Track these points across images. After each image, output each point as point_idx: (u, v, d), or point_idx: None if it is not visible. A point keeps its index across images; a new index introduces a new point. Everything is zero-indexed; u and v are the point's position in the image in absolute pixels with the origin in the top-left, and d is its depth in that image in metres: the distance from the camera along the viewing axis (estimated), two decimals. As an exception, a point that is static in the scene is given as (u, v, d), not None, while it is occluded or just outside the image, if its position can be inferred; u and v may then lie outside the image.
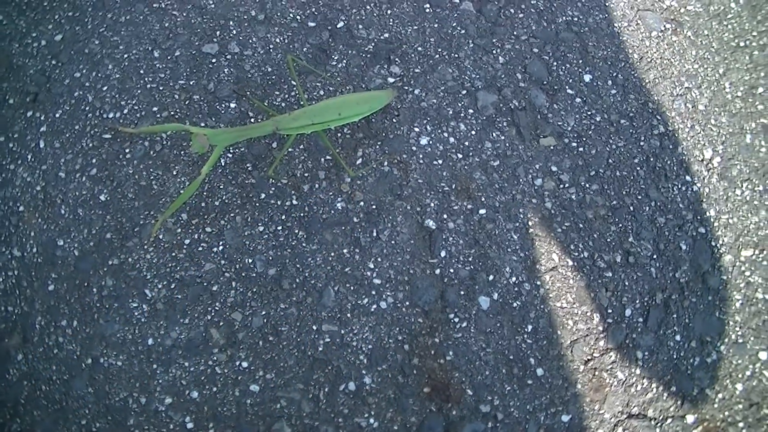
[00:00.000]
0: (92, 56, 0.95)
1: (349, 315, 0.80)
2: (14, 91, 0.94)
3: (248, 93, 0.91)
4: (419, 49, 0.94)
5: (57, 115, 0.92)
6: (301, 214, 0.84)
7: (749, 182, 0.88)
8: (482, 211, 0.85)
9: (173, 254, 0.83)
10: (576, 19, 0.97)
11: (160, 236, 0.84)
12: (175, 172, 0.87)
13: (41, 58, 0.95)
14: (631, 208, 0.86)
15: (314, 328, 0.80)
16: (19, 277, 0.83)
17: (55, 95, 0.93)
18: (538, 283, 0.82)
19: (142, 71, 0.93)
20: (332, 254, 0.83)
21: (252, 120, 0.90)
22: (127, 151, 0.88)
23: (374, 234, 0.83)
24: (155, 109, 0.91)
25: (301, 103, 0.82)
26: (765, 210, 0.86)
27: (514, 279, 0.82)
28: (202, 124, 0.89)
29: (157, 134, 0.89)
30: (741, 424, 0.78)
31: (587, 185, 0.87)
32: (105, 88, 0.93)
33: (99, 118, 0.91)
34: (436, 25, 0.96)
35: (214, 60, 0.94)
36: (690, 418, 0.78)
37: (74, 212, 0.85)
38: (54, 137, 0.90)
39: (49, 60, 0.95)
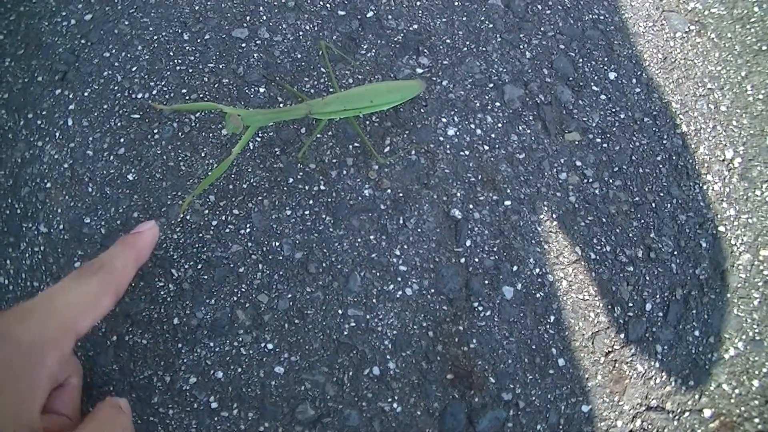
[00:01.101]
0: (122, 37, 0.94)
1: (374, 300, 0.80)
2: (43, 69, 0.94)
3: (277, 78, 0.90)
4: (448, 41, 0.94)
5: (85, 94, 0.91)
6: (329, 200, 0.84)
7: (769, 183, 0.88)
8: (507, 203, 0.85)
9: (200, 235, 0.83)
10: (602, 17, 0.97)
11: (188, 217, 0.83)
12: (203, 154, 0.87)
13: (70, 37, 0.95)
14: (653, 204, 0.86)
15: (340, 312, 0.80)
16: (45, 253, 0.83)
17: (84, 74, 0.93)
18: (561, 275, 0.83)
19: (171, 53, 0.93)
20: (359, 240, 0.83)
21: (281, 105, 0.89)
22: (155, 131, 0.88)
23: (401, 221, 0.83)
24: (184, 91, 0.90)
25: (332, 89, 0.82)
26: (784, 211, 0.87)
27: (537, 270, 0.82)
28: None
29: (190, 112, 0.89)
30: (757, 420, 0.79)
31: (611, 181, 0.87)
32: (134, 69, 0.92)
33: (128, 98, 0.90)
34: (464, 19, 0.96)
35: (243, 45, 0.93)
36: (707, 413, 0.79)
37: (101, 190, 0.85)
38: (82, 116, 0.90)
39: (78, 39, 0.95)
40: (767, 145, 0.90)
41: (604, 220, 0.85)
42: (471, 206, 0.85)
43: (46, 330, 0.34)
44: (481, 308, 0.81)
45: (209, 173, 0.85)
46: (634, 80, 0.93)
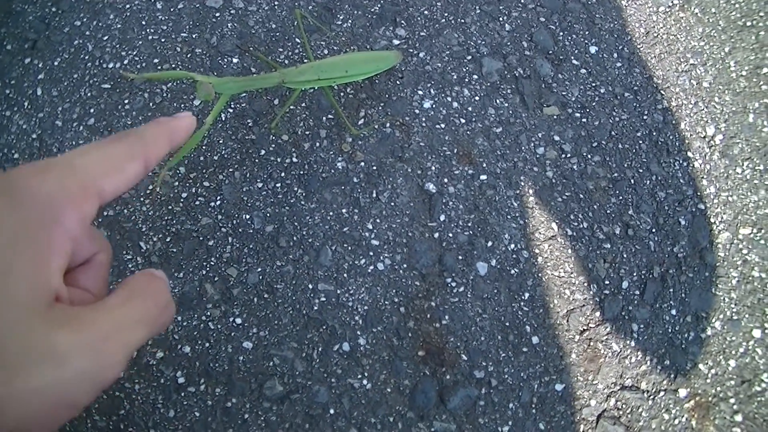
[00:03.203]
0: (93, 5, 0.91)
1: (345, 275, 0.77)
2: (12, 37, 0.90)
3: (251, 48, 0.87)
4: (425, 12, 0.90)
5: (55, 63, 0.88)
6: (301, 172, 0.81)
7: (750, 161, 0.85)
8: (483, 177, 0.82)
9: (170, 207, 0.80)
10: (584, -10, 0.94)
11: (157, 189, 0.80)
12: (174, 125, 0.83)
13: (41, 4, 0.91)
14: (632, 181, 0.83)
15: (310, 286, 0.77)
16: (12, 225, 0.79)
17: (54, 43, 0.89)
18: (537, 251, 0.79)
19: (144, 22, 0.89)
20: (331, 213, 0.79)
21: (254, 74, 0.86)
22: (126, 102, 0.85)
23: (374, 195, 0.80)
24: (156, 60, 0.87)
25: (308, 56, 0.79)
26: (765, 189, 0.84)
27: (512, 246, 0.79)
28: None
29: (161, 81, 0.85)
30: (732, 400, 0.76)
31: (589, 156, 0.84)
32: (105, 38, 0.89)
33: (98, 67, 0.87)
34: (443, -10, 0.92)
35: (217, 14, 0.90)
36: (682, 392, 0.76)
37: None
38: (52, 85, 0.86)
39: (49, 7, 0.91)
40: (749, 122, 0.87)
41: (581, 196, 0.82)
42: (446, 180, 0.81)
43: (65, 185, 0.32)
44: (454, 284, 0.78)
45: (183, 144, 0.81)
46: (615, 54, 0.90)
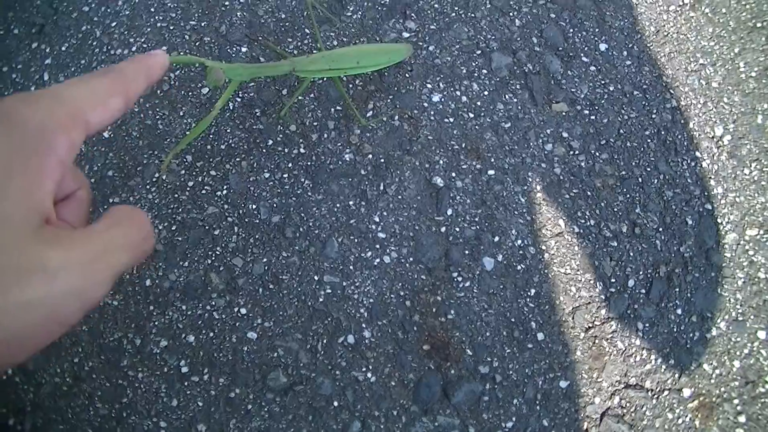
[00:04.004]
0: (102, -9, 0.89)
1: (351, 267, 0.76)
2: (20, 21, 0.89)
3: (260, 38, 0.86)
4: (435, 5, 0.89)
5: (63, 49, 0.87)
6: (308, 163, 0.80)
7: (758, 162, 0.84)
8: (491, 172, 0.81)
9: (176, 196, 0.79)
10: (595, -13, 0.93)
11: (163, 177, 0.79)
12: (181, 113, 0.82)
13: (50, -11, 0.90)
14: (640, 179, 0.82)
15: (315, 278, 0.76)
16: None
17: (62, 28, 0.88)
18: (543, 247, 0.79)
19: (152, 9, 0.88)
20: (338, 205, 0.78)
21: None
22: (133, 88, 0.83)
23: (381, 188, 0.79)
24: (164, 48, 0.86)
25: (318, 46, 0.78)
26: (772, 190, 0.83)
27: (519, 242, 0.79)
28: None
29: (172, 65, 0.84)
30: (736, 401, 0.75)
31: (597, 154, 0.83)
32: (114, 24, 0.87)
33: (106, 53, 0.86)
34: (454, -17, 0.91)
35: (227, 2, 0.89)
36: (686, 392, 0.75)
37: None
38: (59, 70, 0.85)
39: (57, -8, 0.90)
40: (758, 123, 0.86)
41: (589, 193, 0.81)
42: (453, 174, 0.80)
43: (54, 114, 0.33)
44: (460, 279, 0.77)
45: (189, 131, 0.80)
46: (625, 52, 0.89)
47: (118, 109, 0.37)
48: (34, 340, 0.30)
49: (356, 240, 0.78)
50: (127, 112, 0.37)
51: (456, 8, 0.89)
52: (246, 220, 0.78)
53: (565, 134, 0.84)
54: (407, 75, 0.85)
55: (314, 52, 0.84)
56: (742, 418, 0.75)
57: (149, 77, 0.40)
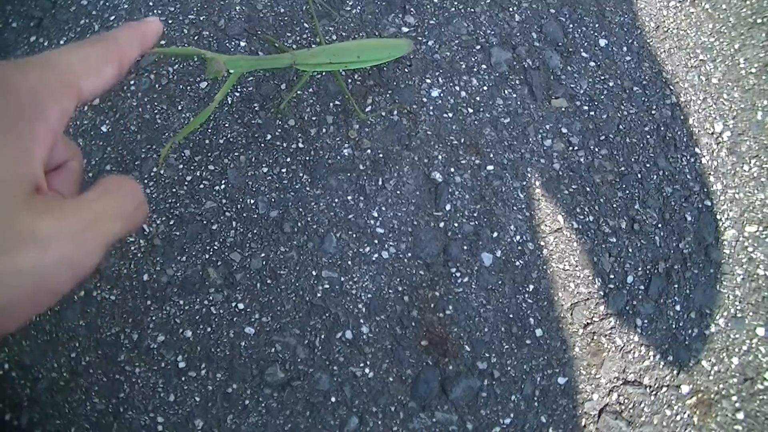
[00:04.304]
0: (101, -16, 0.89)
1: (349, 262, 0.76)
2: (18, 15, 0.88)
3: (259, 32, 0.85)
4: (435, 0, 0.89)
5: (61, 42, 0.86)
6: (307, 158, 0.79)
7: (758, 159, 0.84)
8: (490, 168, 0.80)
9: (174, 190, 0.78)
10: (595, -18, 0.92)
11: (161, 171, 0.79)
12: (180, 107, 0.82)
13: (48, -18, 0.89)
14: (639, 175, 0.82)
15: (314, 273, 0.76)
16: (14, 204, 0.78)
17: (60, 22, 0.87)
18: (542, 243, 0.78)
19: (151, 3, 0.88)
20: (336, 200, 0.78)
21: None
22: (131, 82, 0.83)
23: (380, 183, 0.79)
24: (163, 42, 0.85)
25: (318, 40, 0.77)
26: (771, 187, 0.83)
27: (518, 237, 0.78)
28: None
29: (172, 56, 0.84)
30: (735, 398, 0.75)
31: (596, 149, 0.82)
32: (112, 18, 0.87)
33: (104, 47, 0.85)
34: (453, -22, 0.91)
35: (225, -3, 0.88)
36: (685, 389, 0.75)
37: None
38: (57, 64, 0.84)
39: (56, -15, 0.89)
40: (758, 119, 0.86)
41: (588, 189, 0.81)
42: (452, 170, 0.80)
43: (46, 81, 0.32)
44: (458, 274, 0.76)
45: (189, 121, 0.79)
46: (624, 48, 0.89)
47: (111, 76, 0.37)
48: (25, 310, 0.29)
49: (354, 235, 0.77)
50: (120, 79, 0.37)
51: (455, 3, 0.89)
52: (244, 214, 0.78)
53: (564, 130, 0.83)
54: (406, 70, 0.84)
55: (314, 46, 0.84)
56: (740, 415, 0.74)
57: (143, 44, 0.40)
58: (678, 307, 0.78)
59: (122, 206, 0.34)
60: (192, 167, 0.79)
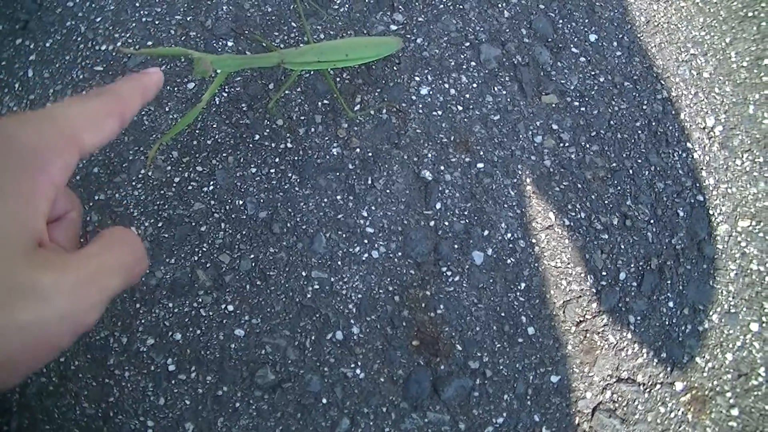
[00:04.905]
0: (87, -14, 0.88)
1: (339, 263, 0.75)
2: (3, 17, 0.87)
3: (246, 32, 0.84)
4: (424, -2, 0.88)
5: (47, 45, 0.85)
6: (296, 158, 0.79)
7: (750, 153, 0.83)
8: (480, 165, 0.79)
9: (162, 192, 0.77)
10: (584, -23, 0.91)
11: (149, 173, 0.78)
12: (167, 108, 0.81)
13: (34, -16, 0.89)
14: (631, 171, 0.81)
15: (303, 274, 0.75)
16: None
17: (46, 24, 0.86)
18: (534, 241, 0.77)
19: (137, 4, 0.87)
20: (325, 200, 0.77)
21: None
22: (118, 84, 0.82)
23: (369, 182, 0.78)
24: (150, 43, 0.84)
25: (306, 39, 0.76)
26: (764, 181, 0.82)
27: (509, 235, 0.77)
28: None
29: (159, 56, 0.83)
30: (729, 394, 0.74)
31: (587, 145, 0.82)
32: (98, 20, 0.86)
33: (91, 49, 0.84)
34: (442, -25, 0.90)
35: (212, -3, 0.87)
36: (679, 386, 0.74)
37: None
38: (43, 67, 0.84)
39: (41, -13, 0.88)
40: (749, 113, 0.85)
41: (579, 185, 0.80)
42: (442, 168, 0.79)
43: (48, 135, 0.33)
44: (449, 273, 0.76)
45: (177, 121, 0.79)
46: (615, 43, 0.88)
47: (113, 129, 0.36)
48: (24, 365, 0.29)
49: (344, 235, 0.76)
50: (122, 131, 0.37)
51: (444, 0, 0.88)
52: (233, 216, 0.77)
53: (554, 126, 0.82)
54: (395, 68, 0.84)
55: (302, 45, 0.83)
56: (735, 411, 0.74)
57: (144, 96, 0.40)
58: (671, 304, 0.77)
59: (123, 260, 0.34)
60: (180, 169, 0.78)
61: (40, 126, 0.32)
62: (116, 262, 0.34)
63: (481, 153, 0.80)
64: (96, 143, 0.35)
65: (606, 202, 0.80)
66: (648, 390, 0.74)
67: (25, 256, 0.29)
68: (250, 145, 0.79)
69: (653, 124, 0.84)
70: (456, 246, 0.77)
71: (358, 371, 0.72)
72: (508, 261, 0.77)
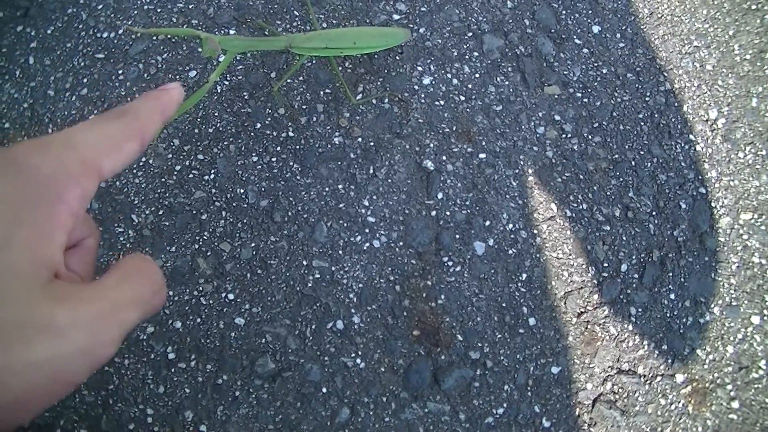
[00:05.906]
0: (88, -27, 0.87)
1: (340, 252, 0.75)
2: (4, 4, 0.86)
3: (249, 20, 0.84)
4: (427, -13, 0.87)
5: (48, 32, 0.84)
6: (297, 147, 0.78)
7: (752, 146, 0.82)
8: (482, 156, 0.79)
9: (163, 180, 0.77)
10: (588, -31, 0.91)
11: (150, 161, 0.77)
12: (168, 96, 0.80)
13: (35, -29, 0.88)
14: (633, 163, 0.80)
15: (304, 263, 0.74)
16: None
17: (48, 11, 0.86)
18: (535, 231, 0.77)
19: (139, -9, 0.86)
20: (327, 189, 0.77)
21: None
22: (120, 72, 0.82)
23: (371, 171, 0.77)
24: (150, 29, 0.83)
25: (309, 27, 0.75)
26: (766, 174, 0.81)
27: (510, 226, 0.77)
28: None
29: (167, 36, 0.82)
30: (729, 387, 0.74)
31: (590, 137, 0.81)
32: (100, 7, 0.85)
33: (92, 36, 0.84)
34: (445, -35, 0.89)
35: (214, -16, 0.86)
36: (679, 378, 0.74)
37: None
38: (44, 54, 0.83)
39: (43, -26, 0.88)
40: (752, 106, 0.84)
41: (581, 176, 0.79)
42: (444, 158, 0.79)
43: (66, 162, 0.31)
44: (450, 263, 0.75)
45: (184, 101, 0.78)
46: (618, 35, 0.87)
47: (132, 152, 0.35)
48: (38, 401, 0.28)
49: (345, 224, 0.76)
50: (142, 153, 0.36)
51: (447, -10, 0.87)
52: (234, 204, 0.76)
53: (557, 117, 0.82)
54: (398, 57, 0.83)
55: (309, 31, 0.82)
56: (735, 404, 0.73)
57: (164, 115, 0.38)
58: (672, 296, 0.76)
59: (141, 293, 0.33)
60: (181, 157, 0.78)
61: (58, 152, 0.31)
62: (134, 295, 0.32)
63: (483, 143, 0.80)
64: (116, 168, 0.34)
65: (608, 193, 0.79)
66: (649, 382, 0.74)
67: (41, 289, 0.28)
68: (252, 134, 0.79)
69: (656, 115, 0.83)
70: (457, 236, 0.76)
71: (358, 361, 0.72)
72: (510, 252, 0.76)
